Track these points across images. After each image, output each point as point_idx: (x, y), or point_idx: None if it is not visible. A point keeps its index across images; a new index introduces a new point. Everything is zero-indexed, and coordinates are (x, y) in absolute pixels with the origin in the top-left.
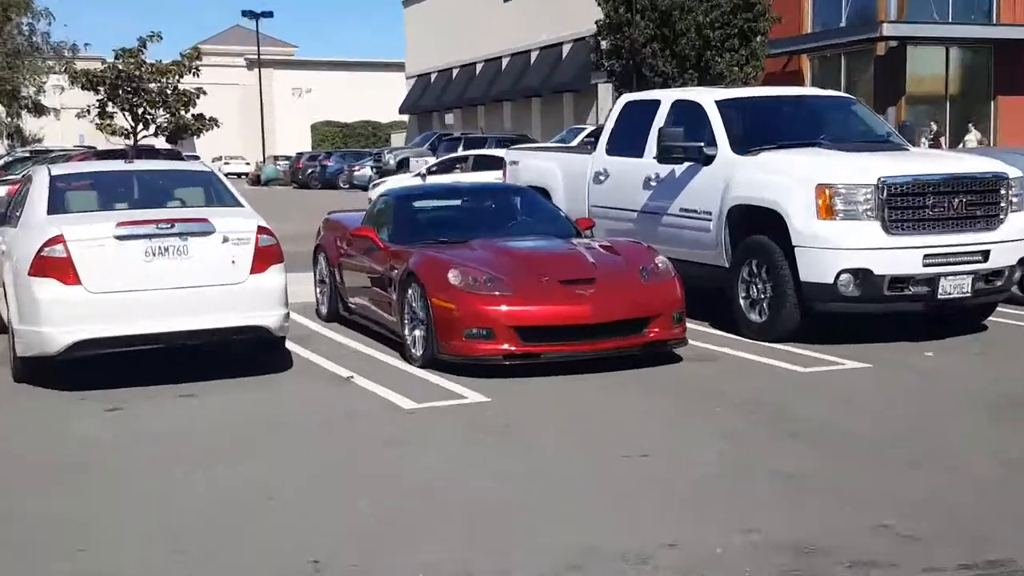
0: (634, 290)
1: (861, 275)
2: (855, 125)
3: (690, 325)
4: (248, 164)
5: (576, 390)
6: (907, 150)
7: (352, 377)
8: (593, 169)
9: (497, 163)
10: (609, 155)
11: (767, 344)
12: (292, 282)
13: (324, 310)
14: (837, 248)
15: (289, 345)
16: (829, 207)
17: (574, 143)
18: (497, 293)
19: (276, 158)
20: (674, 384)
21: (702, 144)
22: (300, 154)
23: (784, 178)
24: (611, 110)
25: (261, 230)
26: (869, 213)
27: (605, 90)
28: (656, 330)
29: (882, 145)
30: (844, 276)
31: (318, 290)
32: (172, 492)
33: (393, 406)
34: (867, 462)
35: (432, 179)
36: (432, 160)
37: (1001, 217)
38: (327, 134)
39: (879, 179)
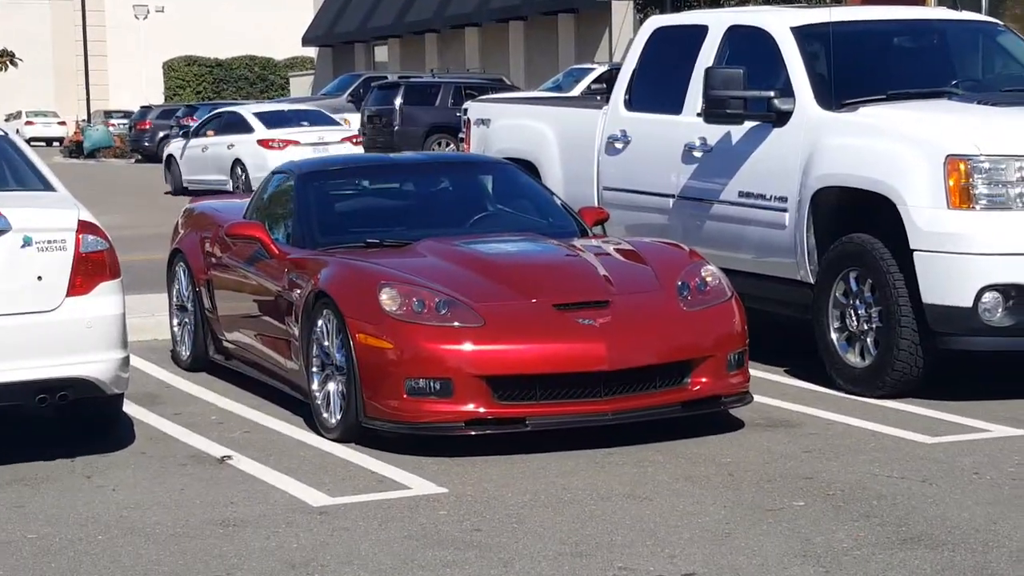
0: (670, 319)
1: (1015, 294)
2: (1004, 65)
3: (756, 372)
4: (64, 125)
5: (580, 477)
6: None
7: (229, 458)
8: (606, 132)
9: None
10: (630, 111)
11: (873, 401)
12: (135, 310)
13: (186, 353)
14: (978, 253)
15: (129, 408)
16: (966, 191)
17: (574, 92)
18: (457, 324)
19: (108, 115)
20: (731, 465)
21: (772, 94)
22: (145, 109)
23: (897, 146)
24: (632, 41)
25: (84, 227)
26: None
27: (622, 9)
28: (704, 380)
29: None
30: (989, 296)
31: (175, 322)
32: None
33: (295, 503)
34: None
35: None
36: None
37: None
38: (189, 77)
39: None
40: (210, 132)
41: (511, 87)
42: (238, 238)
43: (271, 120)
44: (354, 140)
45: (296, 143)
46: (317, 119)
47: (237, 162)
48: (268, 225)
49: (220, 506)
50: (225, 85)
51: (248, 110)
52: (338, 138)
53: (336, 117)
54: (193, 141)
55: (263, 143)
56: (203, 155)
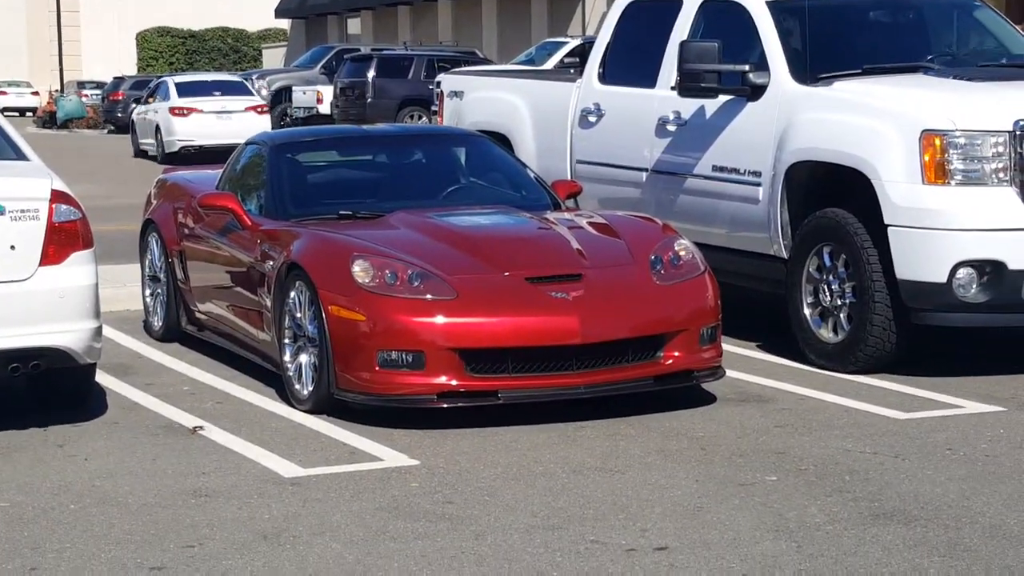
0: (643, 292)
1: (989, 270)
2: (980, 41)
3: (729, 347)
4: (37, 95)
5: (551, 450)
6: None
7: (201, 428)
8: (579, 106)
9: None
10: (604, 84)
11: (846, 377)
12: (107, 280)
13: (158, 323)
14: (953, 229)
15: (101, 378)
16: (941, 166)
17: (547, 65)
18: (430, 297)
19: (81, 86)
20: (704, 439)
21: (747, 68)
22: (119, 80)
23: (872, 121)
24: (606, 14)
25: (57, 197)
26: (1001, 175)
27: None
28: (677, 354)
29: (1020, 71)
30: (963, 272)
31: (148, 292)
32: None
33: (267, 474)
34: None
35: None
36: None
37: None
38: (162, 48)
39: (1017, 123)
40: (152, 99)
41: (484, 60)
42: (210, 209)
43: (186, 89)
44: (259, 109)
45: (199, 111)
46: (231, 89)
47: (157, 127)
48: (241, 196)
49: (192, 476)
50: (198, 56)
51: (172, 79)
52: (242, 107)
53: (309, 89)
54: (140, 108)
55: (172, 110)
56: (144, 121)
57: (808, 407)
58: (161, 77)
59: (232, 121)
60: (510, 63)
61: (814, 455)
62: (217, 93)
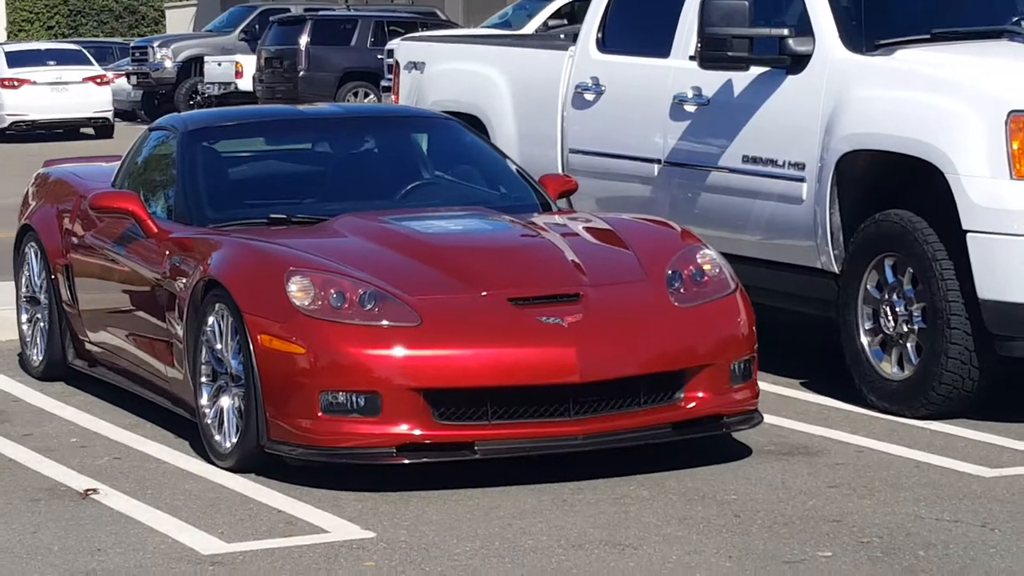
0: (658, 317)
1: None
2: None
3: (766, 386)
4: None
5: (543, 519)
6: None
7: (94, 491)
8: (573, 80)
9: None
10: (604, 52)
11: (915, 423)
12: None
13: (38, 357)
14: None
15: None
16: None
17: (528, 28)
18: (386, 323)
19: None
20: (737, 504)
21: (785, 32)
22: None
23: (945, 99)
24: None
25: None
26: None
27: None
28: (701, 395)
29: None
30: None
31: (24, 318)
32: None
33: (180, 551)
34: None
35: None
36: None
37: None
38: (38, 10)
39: None
40: None
41: (446, 23)
42: (105, 211)
43: (17, 59)
44: (98, 80)
45: (31, 82)
46: (68, 58)
47: None
48: (144, 195)
49: (84, 554)
50: (84, 19)
51: (2, 48)
52: (79, 78)
53: (225, 60)
54: None
55: (2, 82)
56: None
57: (868, 462)
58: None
59: (68, 93)
60: (480, 26)
61: (878, 524)
62: (52, 63)
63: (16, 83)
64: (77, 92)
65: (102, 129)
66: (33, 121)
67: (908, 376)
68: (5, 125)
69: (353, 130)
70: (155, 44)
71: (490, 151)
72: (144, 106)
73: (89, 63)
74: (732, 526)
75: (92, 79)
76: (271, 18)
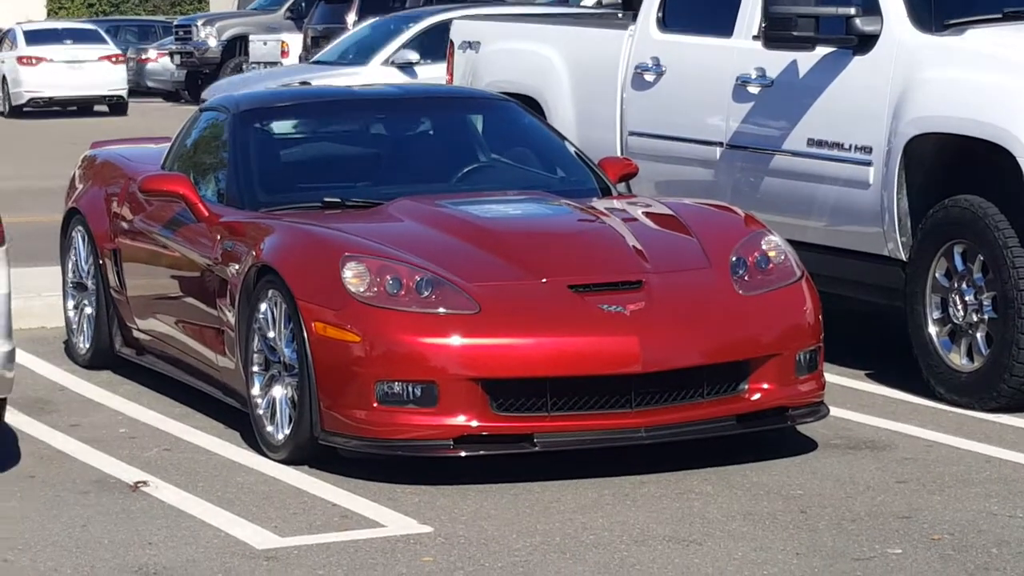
0: (722, 305)
1: None
2: None
3: (832, 377)
4: None
5: (604, 513)
6: None
7: (144, 484)
8: (633, 60)
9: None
10: (665, 32)
11: (985, 416)
12: (18, 289)
13: (85, 345)
14: None
15: (12, 418)
16: None
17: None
18: (443, 310)
19: None
20: (804, 499)
21: (852, 11)
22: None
23: (1016, 80)
24: None
25: None
26: None
27: None
28: (766, 386)
29: None
30: None
31: (71, 305)
32: None
33: (233, 545)
34: None
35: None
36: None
37: None
38: None
39: None
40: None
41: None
42: (155, 195)
43: (35, 37)
44: (114, 59)
45: (48, 60)
46: (84, 37)
47: (3, 79)
48: (194, 178)
49: (135, 548)
50: (124, 2)
51: (21, 27)
52: (95, 56)
53: (271, 39)
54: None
55: (20, 60)
56: None
57: (937, 457)
58: (118, 24)
59: (84, 72)
60: (536, 4)
61: (949, 521)
62: (69, 41)
63: (34, 61)
64: (92, 70)
65: (116, 107)
66: (50, 98)
67: (978, 367)
68: (23, 101)
69: (408, 111)
70: (199, 22)
71: (548, 133)
72: (187, 86)
73: (104, 42)
74: (799, 522)
75: (107, 58)
76: None
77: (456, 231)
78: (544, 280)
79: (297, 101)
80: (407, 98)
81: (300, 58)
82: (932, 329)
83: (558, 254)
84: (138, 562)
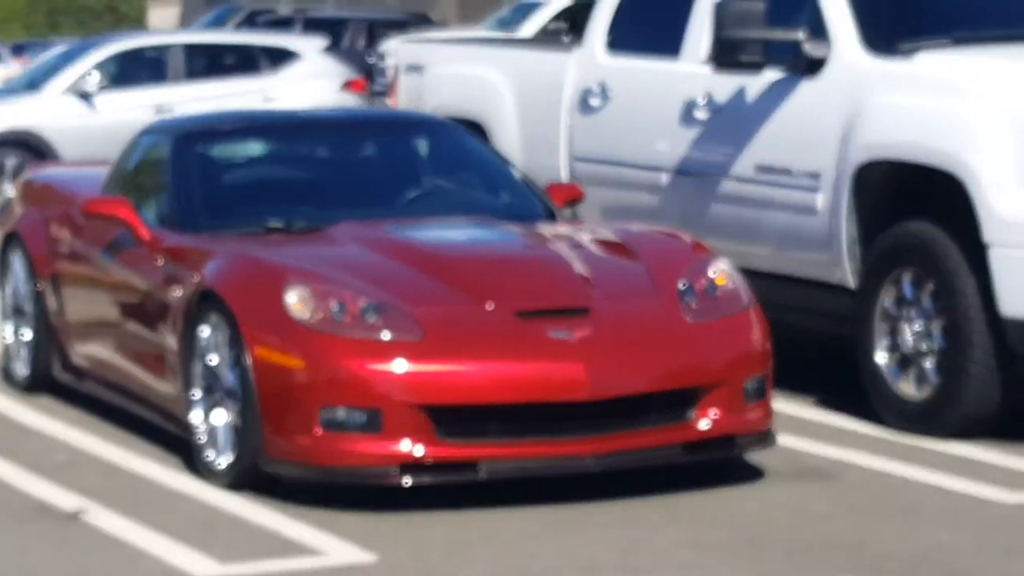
0: (670, 333)
1: None
2: None
3: (780, 405)
4: None
5: (551, 542)
6: None
7: (82, 513)
8: (579, 84)
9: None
10: (612, 55)
11: (935, 446)
12: None
13: (23, 370)
14: None
15: None
16: None
17: (524, 30)
18: (389, 336)
19: None
20: (752, 528)
21: (800, 35)
22: None
23: (969, 106)
24: None
25: None
26: None
27: None
28: (714, 414)
29: None
30: None
31: (9, 330)
32: None
33: (173, 573)
34: None
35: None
36: None
37: None
38: (18, 7)
39: None
40: None
41: (437, 23)
42: (95, 218)
43: None
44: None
45: None
46: None
47: None
48: (136, 202)
49: None
50: (63, 18)
51: None
52: None
53: None
54: None
55: None
56: None
57: (887, 485)
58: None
59: None
60: (480, 27)
61: (900, 550)
62: None
63: None
64: None
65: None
66: None
67: (927, 396)
68: None
69: (352, 135)
70: None
71: (493, 158)
72: None
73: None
74: (747, 552)
75: None
76: (259, 18)
77: (401, 256)
78: (490, 306)
79: (240, 124)
80: (351, 122)
81: None
82: (881, 358)
83: (504, 279)
84: None
